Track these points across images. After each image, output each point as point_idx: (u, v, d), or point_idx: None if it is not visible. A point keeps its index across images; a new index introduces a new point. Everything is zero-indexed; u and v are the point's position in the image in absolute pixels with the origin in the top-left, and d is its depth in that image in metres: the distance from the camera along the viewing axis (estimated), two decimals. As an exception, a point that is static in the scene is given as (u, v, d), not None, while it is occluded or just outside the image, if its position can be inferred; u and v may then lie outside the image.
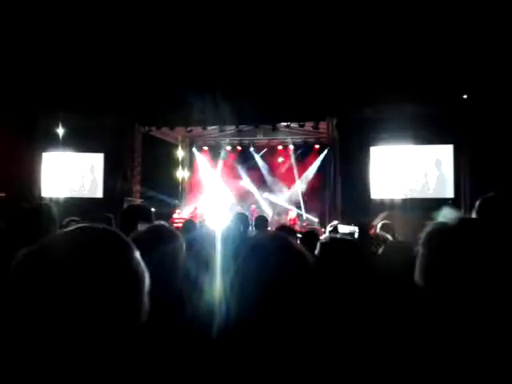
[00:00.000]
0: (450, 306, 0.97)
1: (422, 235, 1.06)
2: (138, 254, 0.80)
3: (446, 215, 1.05)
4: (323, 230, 11.94)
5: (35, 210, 2.19)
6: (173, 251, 1.70)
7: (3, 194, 10.17)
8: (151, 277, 0.82)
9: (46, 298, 0.69)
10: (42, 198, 11.95)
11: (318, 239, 2.31)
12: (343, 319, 1.46)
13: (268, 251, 1.17)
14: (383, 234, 3.02)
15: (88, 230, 0.80)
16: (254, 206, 14.48)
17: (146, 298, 0.79)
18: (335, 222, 8.36)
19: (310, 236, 3.39)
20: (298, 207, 14.96)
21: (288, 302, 1.10)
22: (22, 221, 2.08)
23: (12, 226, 2.06)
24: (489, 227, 0.99)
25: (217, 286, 1.67)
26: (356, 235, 4.29)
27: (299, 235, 3.95)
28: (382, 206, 10.60)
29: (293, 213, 13.69)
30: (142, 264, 0.80)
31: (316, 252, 1.89)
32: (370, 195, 11.30)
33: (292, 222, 12.94)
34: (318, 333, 1.18)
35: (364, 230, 4.01)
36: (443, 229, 1.02)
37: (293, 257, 1.16)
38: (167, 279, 1.57)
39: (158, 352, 1.23)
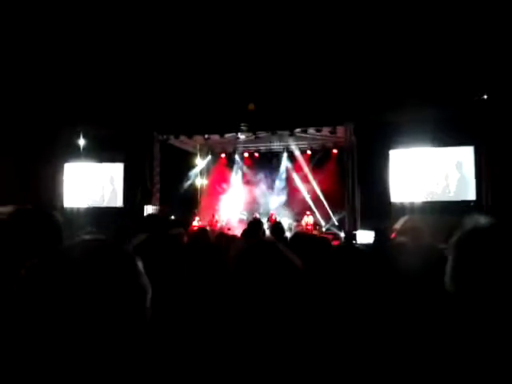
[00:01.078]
0: (481, 310, 0.95)
1: (453, 239, 1.05)
2: (140, 266, 0.82)
3: (476, 219, 1.03)
4: (342, 234, 11.88)
5: (40, 220, 2.19)
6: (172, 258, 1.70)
7: (29, 206, 10.36)
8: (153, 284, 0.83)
9: (50, 312, 0.71)
10: (64, 209, 12.16)
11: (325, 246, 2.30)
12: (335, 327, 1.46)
13: (253, 260, 1.19)
14: (401, 238, 2.98)
15: (92, 244, 0.82)
16: (272, 212, 14.46)
17: (148, 309, 0.80)
18: (352, 231, 8.32)
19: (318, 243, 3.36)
20: (316, 212, 14.86)
21: (274, 308, 1.12)
22: (26, 231, 2.10)
23: (16, 235, 2.08)
24: None
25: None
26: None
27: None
28: (403, 209, 10.47)
29: (309, 218, 13.60)
30: (144, 275, 0.81)
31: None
32: (389, 199, 11.19)
33: (310, 228, 12.87)
34: (307, 339, 1.19)
35: (381, 234, 3.96)
36: (476, 232, 1.00)
37: (278, 264, 1.17)
38: (169, 285, 1.59)
39: (157, 357, 1.25)
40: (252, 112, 11.29)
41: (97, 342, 0.72)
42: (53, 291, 0.72)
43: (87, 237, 0.86)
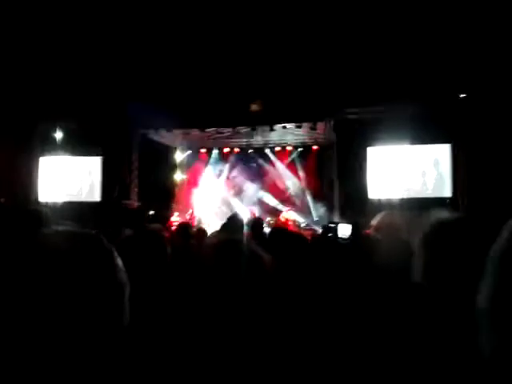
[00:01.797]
0: (451, 304, 0.95)
1: (420, 235, 1.05)
2: (118, 259, 0.79)
3: (442, 215, 1.03)
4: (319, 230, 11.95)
5: (28, 215, 2.17)
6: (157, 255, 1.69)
7: (2, 199, 10.14)
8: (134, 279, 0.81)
9: (28, 301, 0.68)
10: (39, 203, 11.91)
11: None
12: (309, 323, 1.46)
13: (221, 257, 1.20)
14: (376, 233, 3.01)
15: (69, 233, 0.78)
16: (252, 208, 14.46)
17: (127, 305, 0.78)
18: (333, 223, 8.31)
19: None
20: (295, 208, 14.93)
21: (241, 306, 1.12)
22: (13, 225, 2.06)
23: (3, 231, 2.04)
24: (485, 223, 0.98)
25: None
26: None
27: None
28: (380, 206, 10.59)
29: (289, 213, 13.66)
30: (123, 270, 0.79)
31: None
32: (367, 195, 11.30)
33: (289, 223, 12.93)
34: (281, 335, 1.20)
35: (357, 228, 4.00)
36: (442, 227, 1.01)
37: (246, 261, 1.18)
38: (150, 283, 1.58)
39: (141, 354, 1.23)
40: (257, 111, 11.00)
41: (70, 337, 0.69)
42: (26, 280, 0.69)
43: (62, 227, 0.82)
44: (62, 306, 0.68)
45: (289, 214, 13.69)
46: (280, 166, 15.52)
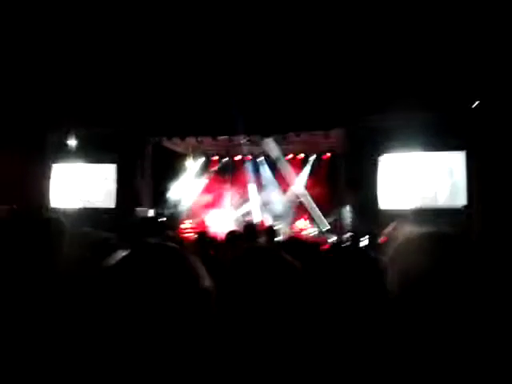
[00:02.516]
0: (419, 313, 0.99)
1: (389, 252, 1.11)
2: (204, 271, 0.81)
3: (409, 229, 1.10)
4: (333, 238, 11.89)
5: (44, 223, 2.19)
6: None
7: (14, 206, 10.28)
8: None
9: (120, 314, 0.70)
10: (51, 210, 12.04)
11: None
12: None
13: (253, 264, 1.18)
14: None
15: (162, 249, 0.81)
16: (263, 217, 14.44)
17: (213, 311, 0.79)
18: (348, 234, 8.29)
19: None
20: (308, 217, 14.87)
21: (273, 312, 1.11)
22: (30, 233, 2.09)
23: (20, 239, 2.07)
24: (452, 237, 1.03)
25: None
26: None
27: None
28: (393, 215, 10.50)
29: (302, 222, 13.58)
30: (207, 277, 0.81)
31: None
32: (379, 204, 11.22)
33: (303, 232, 12.86)
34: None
35: (373, 238, 4.00)
36: (407, 244, 1.06)
37: (279, 268, 1.16)
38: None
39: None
40: None
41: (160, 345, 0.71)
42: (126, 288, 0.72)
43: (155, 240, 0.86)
44: (151, 317, 0.70)
45: (303, 223, 13.61)
46: (291, 174, 15.49)
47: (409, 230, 1.13)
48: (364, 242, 9.23)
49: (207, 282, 0.79)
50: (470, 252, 1.01)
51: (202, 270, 0.80)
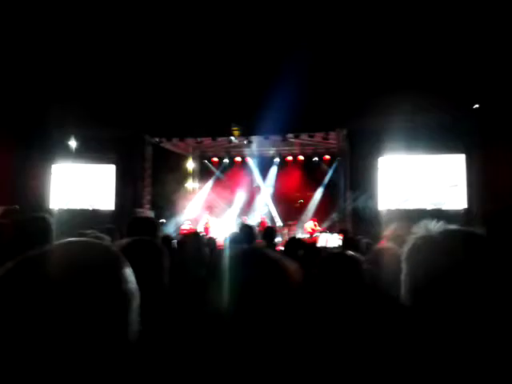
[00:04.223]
0: (439, 327, 0.91)
1: (405, 250, 0.99)
2: (129, 270, 0.77)
3: (429, 227, 0.97)
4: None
5: (28, 222, 2.17)
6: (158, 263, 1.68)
7: (17, 207, 10.24)
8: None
9: (30, 311, 0.66)
10: (50, 210, 12.02)
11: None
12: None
13: (244, 267, 1.17)
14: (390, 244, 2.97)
15: (77, 244, 0.77)
16: (263, 217, 14.42)
17: (135, 317, 0.75)
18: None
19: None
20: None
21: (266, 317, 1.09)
22: (14, 233, 2.07)
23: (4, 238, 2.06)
24: (478, 237, 0.93)
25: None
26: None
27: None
28: (392, 216, 10.48)
29: (311, 223, 13.45)
30: (131, 281, 0.76)
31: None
32: (379, 205, 11.21)
33: (311, 232, 12.79)
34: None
35: (346, 240, 4.00)
36: (427, 242, 0.95)
37: (270, 272, 1.14)
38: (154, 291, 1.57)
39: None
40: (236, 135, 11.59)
41: (77, 349, 0.68)
42: (29, 294, 0.67)
43: (73, 238, 0.81)
44: (63, 316, 0.66)
45: (311, 224, 13.45)
46: (291, 175, 15.48)
47: (424, 228, 1.00)
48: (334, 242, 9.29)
49: (130, 284, 0.75)
50: (498, 253, 0.91)
51: (128, 272, 0.76)
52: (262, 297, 1.09)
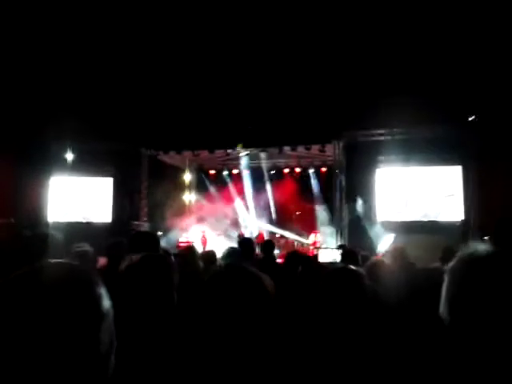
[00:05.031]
0: (477, 343, 0.89)
1: (453, 261, 1.00)
2: (102, 291, 0.78)
3: (474, 246, 0.98)
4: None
5: (38, 238, 2.17)
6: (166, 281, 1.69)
7: (12, 220, 10.19)
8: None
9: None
10: (48, 223, 11.97)
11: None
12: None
13: (222, 284, 1.20)
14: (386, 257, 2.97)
15: (52, 267, 0.79)
16: (261, 230, 14.40)
17: (106, 336, 0.77)
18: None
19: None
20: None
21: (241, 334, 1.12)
22: (24, 248, 2.07)
23: (14, 254, 2.05)
24: None
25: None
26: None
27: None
28: (389, 228, 10.45)
29: (314, 236, 13.39)
30: (106, 301, 0.78)
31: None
32: (376, 217, 11.19)
33: (313, 244, 12.75)
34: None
35: (346, 254, 4.00)
36: (474, 261, 0.95)
37: (246, 288, 1.17)
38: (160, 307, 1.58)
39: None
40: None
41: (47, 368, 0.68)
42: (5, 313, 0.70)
43: (51, 260, 0.83)
44: (35, 334, 0.68)
45: (315, 237, 13.38)
46: (288, 187, 15.48)
47: (466, 247, 0.99)
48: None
49: (102, 305, 0.77)
50: None
51: (101, 293, 0.78)
52: (243, 304, 1.13)
